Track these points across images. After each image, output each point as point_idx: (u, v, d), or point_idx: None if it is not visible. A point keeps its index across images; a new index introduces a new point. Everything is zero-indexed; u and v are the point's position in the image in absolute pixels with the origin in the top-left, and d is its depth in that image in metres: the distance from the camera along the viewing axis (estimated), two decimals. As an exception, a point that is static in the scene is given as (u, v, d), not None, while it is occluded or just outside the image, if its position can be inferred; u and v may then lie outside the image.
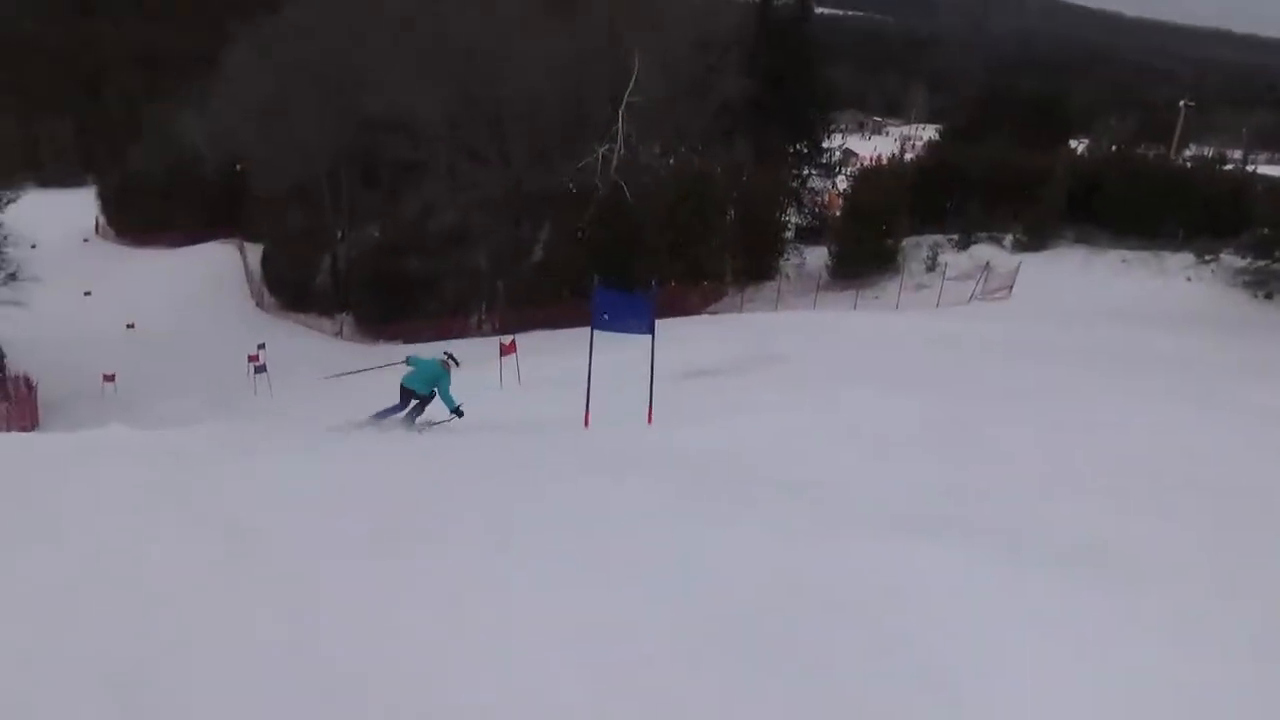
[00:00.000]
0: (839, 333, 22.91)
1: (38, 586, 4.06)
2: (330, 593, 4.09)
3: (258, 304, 55.72)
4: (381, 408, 10.79)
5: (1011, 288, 29.62)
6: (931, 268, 33.74)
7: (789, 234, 41.71)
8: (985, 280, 30.43)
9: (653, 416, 9.38)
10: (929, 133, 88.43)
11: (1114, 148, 44.18)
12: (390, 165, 48.18)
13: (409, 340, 40.84)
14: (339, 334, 47.37)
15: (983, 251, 33.96)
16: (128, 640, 3.53)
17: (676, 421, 9.40)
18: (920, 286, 32.20)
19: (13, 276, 33.10)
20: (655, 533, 5.01)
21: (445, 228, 41.18)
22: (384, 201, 47.94)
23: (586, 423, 9.34)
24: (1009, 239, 34.41)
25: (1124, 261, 31.46)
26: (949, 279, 31.11)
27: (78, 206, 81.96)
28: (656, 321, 9.52)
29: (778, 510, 5.62)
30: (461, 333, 40.37)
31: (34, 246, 40.52)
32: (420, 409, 10.55)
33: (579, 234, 36.48)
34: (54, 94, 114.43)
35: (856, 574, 4.32)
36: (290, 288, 53.05)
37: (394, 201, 45.84)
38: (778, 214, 40.13)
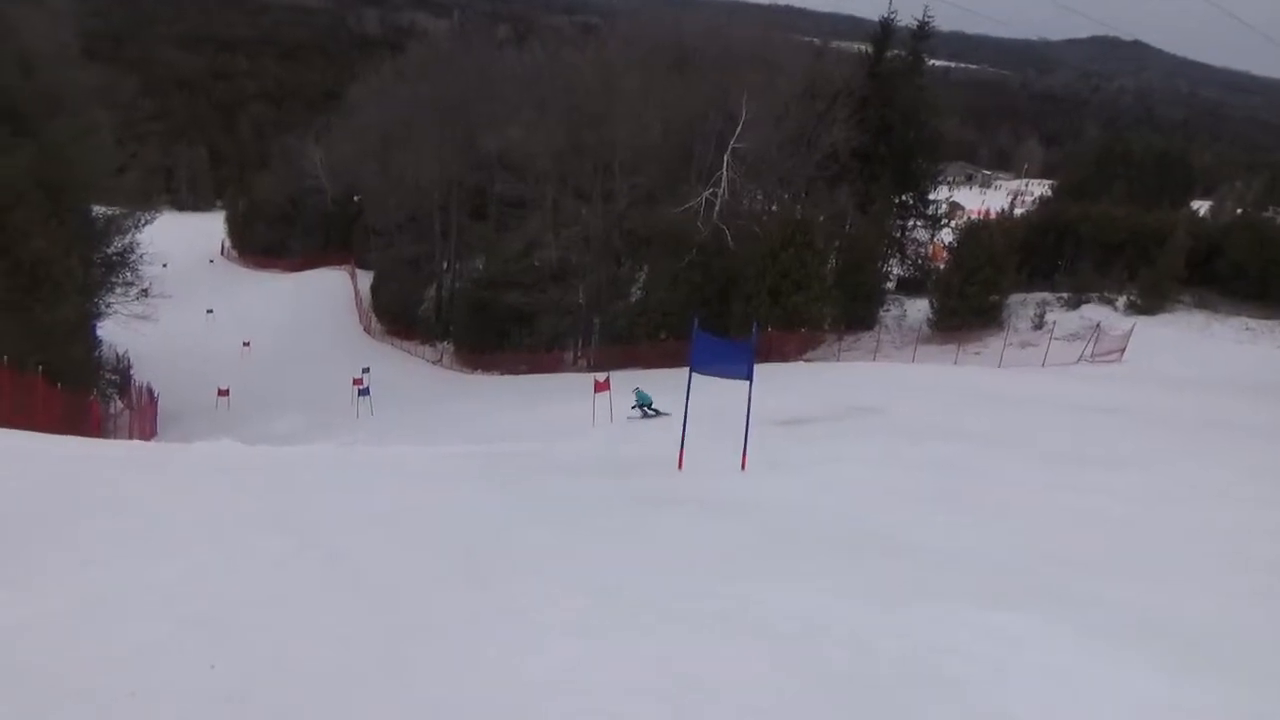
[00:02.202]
0: (938, 387, 22.23)
1: (151, 593, 4.23)
2: (421, 621, 4.14)
3: (365, 329, 57.68)
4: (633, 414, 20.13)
5: (1123, 351, 28.34)
6: (1038, 326, 32.64)
7: (890, 285, 41.13)
8: (1095, 342, 29.22)
9: (747, 463, 9.26)
10: (1041, 188, 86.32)
11: (1239, 210, 42.21)
12: (498, 200, 49.65)
13: (506, 372, 41.66)
14: (439, 361, 48.56)
15: (1093, 312, 32.68)
16: (231, 653, 3.63)
17: (771, 469, 9.25)
18: (1026, 345, 31.09)
19: (145, 293, 35.11)
20: (747, 585, 4.92)
21: (546, 263, 41.99)
22: (489, 235, 49.28)
23: (680, 465, 9.28)
24: (1122, 300, 33.05)
25: (1247, 330, 29.82)
26: (1056, 339, 29.99)
27: (206, 229, 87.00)
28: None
29: (872, 570, 5.45)
30: (556, 368, 40.89)
31: (165, 266, 43.09)
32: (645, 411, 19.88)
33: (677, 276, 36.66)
34: (193, 123, 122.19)
35: (956, 645, 4.13)
36: (396, 314, 54.88)
37: (499, 235, 47.09)
38: (879, 264, 39.62)
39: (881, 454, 11.15)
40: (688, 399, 9.42)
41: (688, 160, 40.56)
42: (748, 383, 9.21)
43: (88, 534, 5.27)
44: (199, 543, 5.20)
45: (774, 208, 41.76)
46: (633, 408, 20.49)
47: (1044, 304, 34.01)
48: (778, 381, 20.36)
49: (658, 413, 19.99)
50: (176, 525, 5.69)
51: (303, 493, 7.69)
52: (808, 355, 33.52)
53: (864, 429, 14.54)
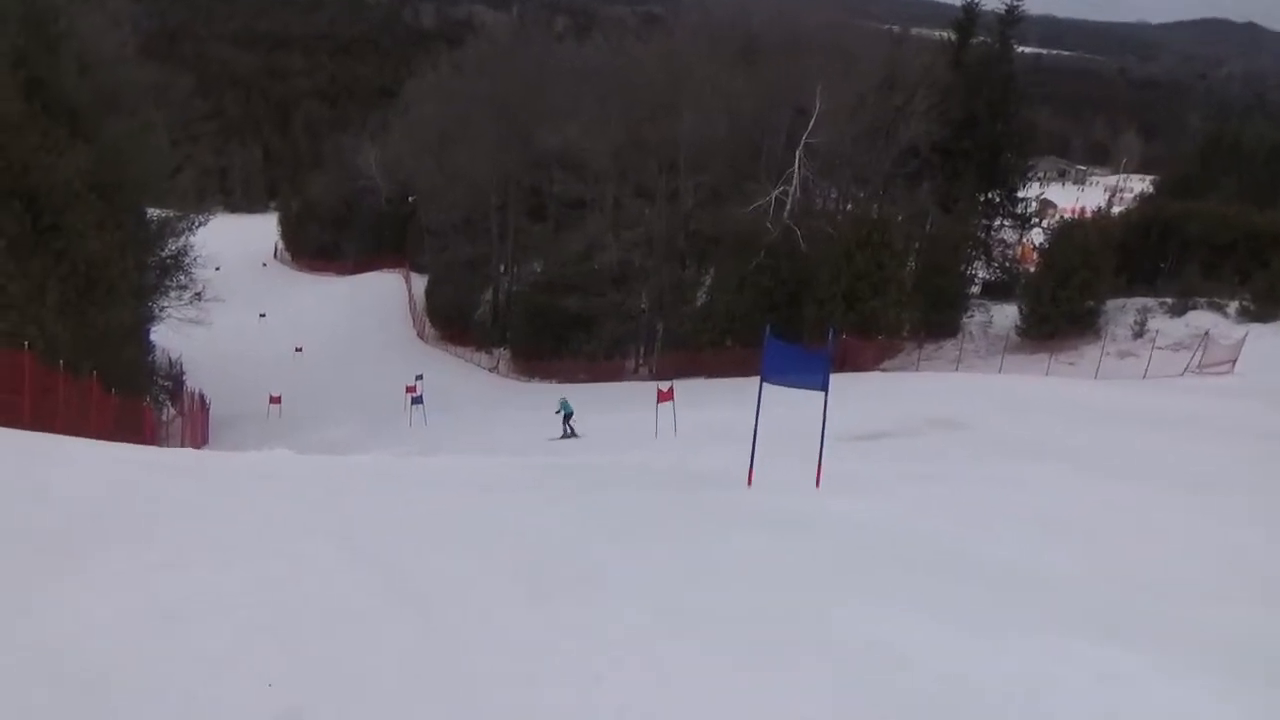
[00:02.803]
0: (1027, 400, 21.81)
1: (215, 603, 4.37)
2: (483, 636, 4.21)
3: (419, 334, 58.67)
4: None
5: (1235, 362, 27.39)
6: (1139, 334, 31.78)
7: (974, 289, 40.50)
8: (1203, 351, 28.30)
9: (821, 479, 9.18)
10: (1141, 184, 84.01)
11: (1367, 207, 40.49)
12: (556, 200, 50.15)
13: (564, 379, 41.96)
14: (495, 369, 49.14)
15: (1201, 319, 31.67)
16: (289, 667, 3.73)
17: (847, 487, 9.15)
18: (1125, 354, 30.30)
19: (198, 296, 36.19)
20: (821, 607, 4.89)
21: (607, 266, 42.23)
22: (548, 236, 49.77)
23: (750, 481, 9.24)
24: (1233, 306, 31.97)
25: (1377, 338, 28.59)
26: (1159, 348, 29.15)
27: (259, 231, 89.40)
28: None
29: (957, 595, 5.36)
30: (616, 376, 41.07)
31: (218, 269, 44.39)
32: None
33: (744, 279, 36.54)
34: (246, 122, 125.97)
35: (1058, 680, 4.04)
36: (451, 319, 55.71)
37: (558, 237, 47.53)
38: (963, 266, 39.04)
39: (966, 471, 10.97)
40: (758, 410, 9.37)
41: (757, 156, 40.48)
42: (823, 394, 9.12)
43: (151, 541, 5.47)
44: (257, 553, 5.36)
45: (849, 206, 41.48)
46: (557, 413, 23.05)
47: (1145, 310, 33.09)
48: (853, 392, 20.15)
49: (571, 431, 22.50)
50: (235, 535, 5.88)
51: (358, 503, 7.87)
52: (885, 364, 33.19)
53: (946, 444, 14.33)
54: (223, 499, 7.76)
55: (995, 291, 40.46)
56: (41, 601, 4.26)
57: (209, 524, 6.43)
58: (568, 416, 22.61)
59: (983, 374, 29.80)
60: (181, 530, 6.09)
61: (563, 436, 22.17)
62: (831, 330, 12.37)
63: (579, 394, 36.76)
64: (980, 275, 42.23)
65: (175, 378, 36.67)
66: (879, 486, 9.57)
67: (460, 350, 53.19)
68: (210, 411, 35.17)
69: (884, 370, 32.14)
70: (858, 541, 6.72)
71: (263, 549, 5.58)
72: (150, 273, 33.61)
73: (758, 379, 9.36)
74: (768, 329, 9.69)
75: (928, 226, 38.77)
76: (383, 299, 64.36)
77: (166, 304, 35.55)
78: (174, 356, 37.76)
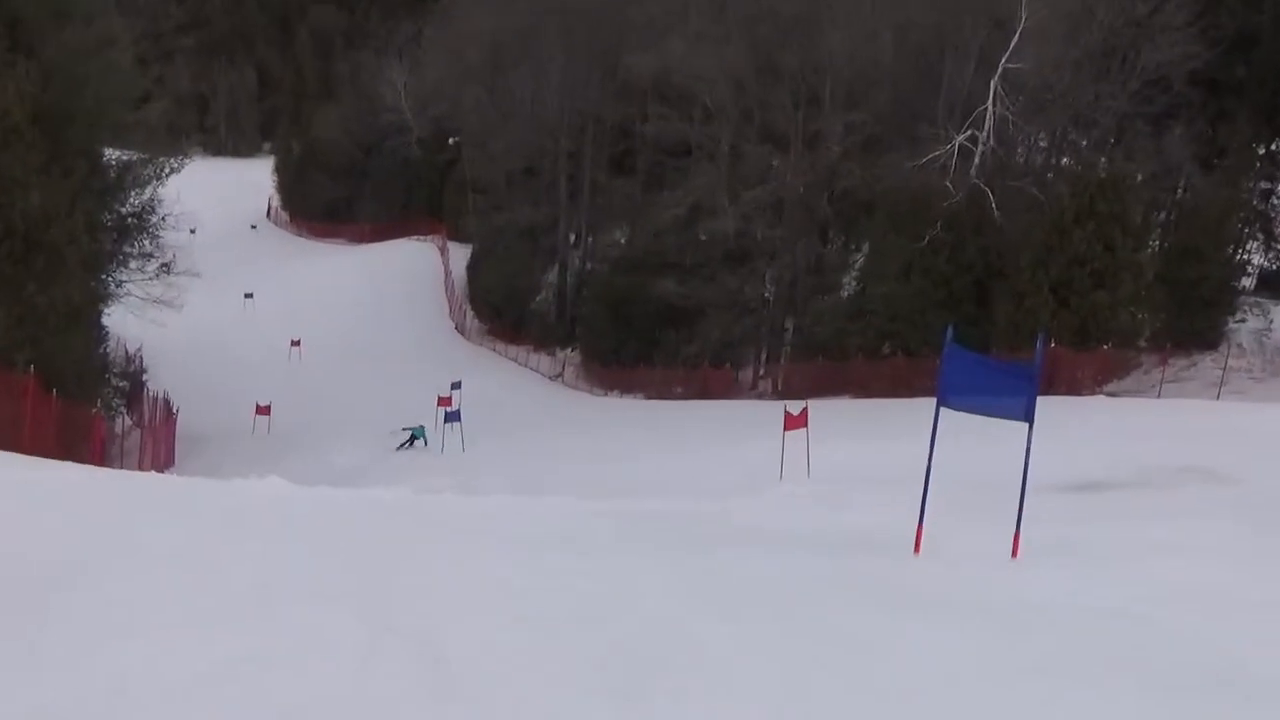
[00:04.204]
0: (1324, 443, 21.10)
1: (178, 690, 4.47)
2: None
3: (457, 327, 59.62)
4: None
5: None
6: None
7: (1247, 281, 39.50)
8: None
9: (1019, 547, 9.02)
10: None
11: None
12: (650, 146, 50.34)
13: (653, 394, 42.09)
14: (559, 376, 49.60)
15: None
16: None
17: (1057, 558, 8.96)
18: None
19: (166, 269, 37.11)
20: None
21: (718, 238, 42.22)
22: (637, 196, 49.97)
23: (918, 546, 9.12)
24: None
25: None
26: None
27: (248, 182, 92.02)
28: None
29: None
30: (727, 391, 41.02)
31: (193, 231, 45.76)
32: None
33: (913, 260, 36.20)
34: (235, 36, 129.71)
35: None
36: (501, 307, 56.45)
37: (650, 197, 47.71)
38: (1231, 249, 38.12)
39: (1237, 543, 10.63)
40: (932, 446, 9.23)
41: (934, 89, 40.05)
42: (1026, 425, 8.96)
43: (103, 599, 5.64)
44: (246, 620, 5.47)
45: (1064, 161, 40.75)
46: (405, 430, 31.87)
47: None
48: (1068, 424, 19.82)
49: (408, 444, 31.21)
50: (215, 593, 6.01)
51: (377, 555, 7.99)
52: (1112, 386, 32.61)
53: (1206, 504, 13.94)
54: (197, 543, 7.97)
55: (1278, 286, 39.32)
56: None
57: (180, 576, 6.60)
58: (415, 438, 31.88)
59: (1258, 404, 29.01)
60: (144, 583, 6.26)
61: (400, 446, 31.47)
62: (1041, 336, 12.08)
63: (673, 413, 36.91)
64: (1256, 262, 41.38)
65: (134, 376, 37.87)
66: (1106, 560, 9.33)
67: (513, 350, 53.89)
68: (177, 422, 36.24)
69: (1110, 394, 31.54)
70: (1075, 639, 6.54)
71: (253, 615, 5.69)
72: (106, 235, 34.61)
73: (931, 401, 9.26)
74: (948, 332, 9.56)
75: (1180, 191, 37.94)
76: (410, 278, 65.57)
77: (125, 278, 36.62)
78: (133, 348, 38.99)
